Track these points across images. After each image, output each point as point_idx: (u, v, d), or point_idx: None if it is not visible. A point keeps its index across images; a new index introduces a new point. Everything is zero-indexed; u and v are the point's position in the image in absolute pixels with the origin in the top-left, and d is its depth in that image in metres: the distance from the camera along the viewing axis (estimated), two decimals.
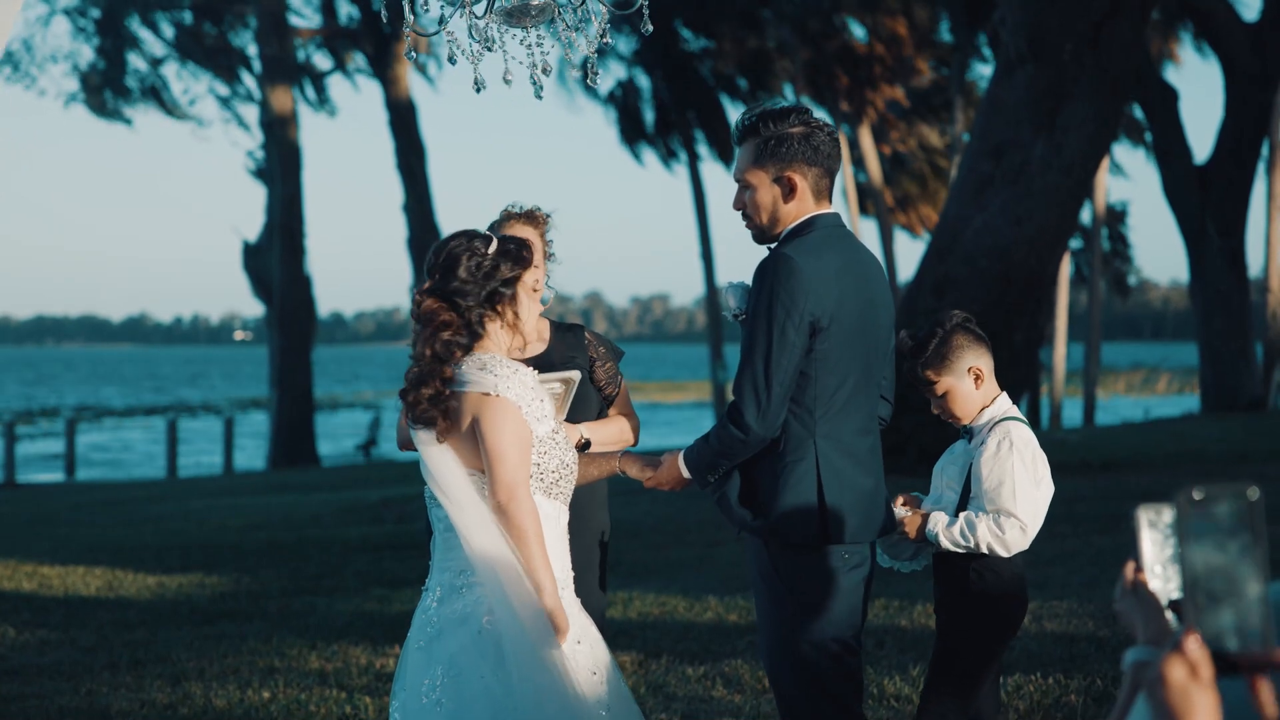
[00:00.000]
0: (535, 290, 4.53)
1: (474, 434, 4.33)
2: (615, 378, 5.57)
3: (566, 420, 5.25)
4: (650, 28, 4.77)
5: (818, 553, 4.63)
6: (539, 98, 4.82)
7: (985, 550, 4.77)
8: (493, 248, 4.44)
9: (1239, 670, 1.75)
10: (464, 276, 4.39)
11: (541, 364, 5.29)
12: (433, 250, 4.49)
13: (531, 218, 5.47)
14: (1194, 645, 1.75)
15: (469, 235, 4.49)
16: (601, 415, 5.50)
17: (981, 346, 4.97)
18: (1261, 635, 1.75)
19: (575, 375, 5.20)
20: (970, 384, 4.94)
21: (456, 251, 4.42)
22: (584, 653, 4.39)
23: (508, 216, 5.45)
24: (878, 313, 4.77)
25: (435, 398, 4.35)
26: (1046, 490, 4.88)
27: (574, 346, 5.49)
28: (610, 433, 5.38)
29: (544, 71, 4.72)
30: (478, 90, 4.74)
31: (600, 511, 5.50)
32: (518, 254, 4.47)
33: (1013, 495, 4.75)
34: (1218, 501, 1.78)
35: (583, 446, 5.17)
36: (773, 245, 4.76)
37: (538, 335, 5.45)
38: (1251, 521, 1.77)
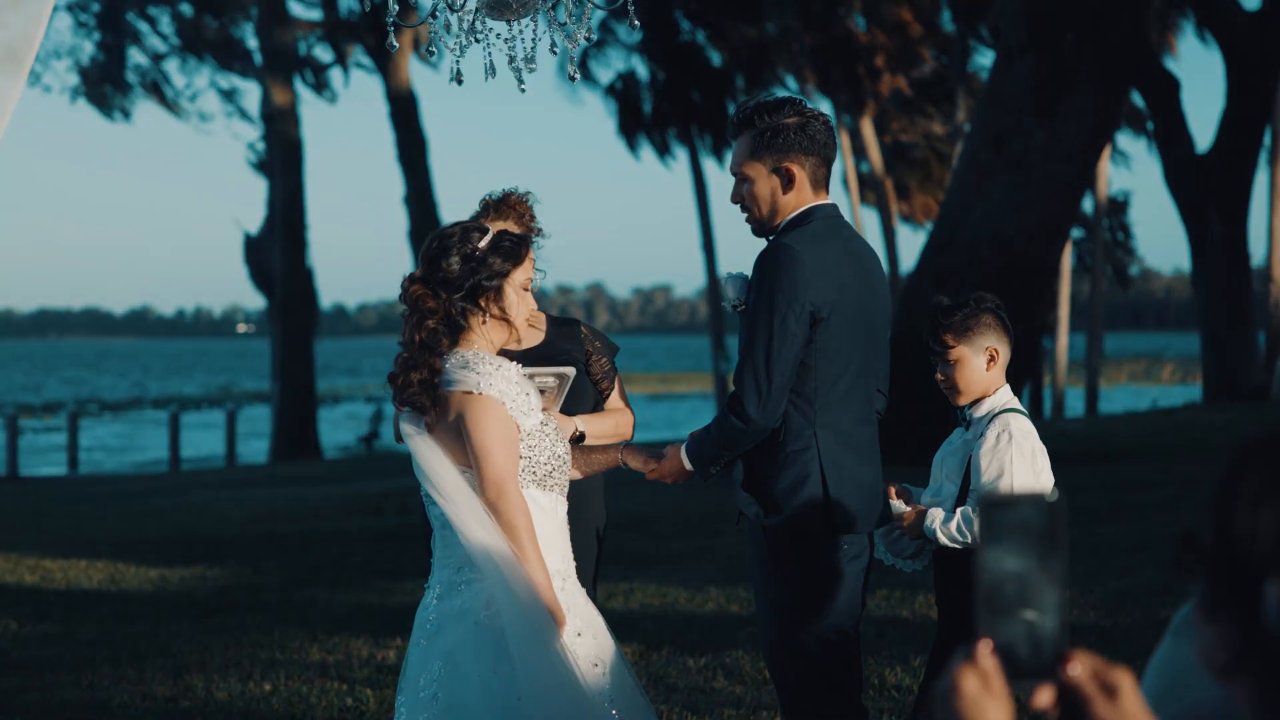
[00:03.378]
0: (526, 289, 4.50)
1: (460, 432, 4.33)
2: (610, 372, 5.54)
3: (561, 414, 5.24)
4: (637, 24, 4.77)
5: (818, 543, 4.63)
6: (522, 90, 4.81)
7: None
8: (485, 241, 4.44)
9: (1033, 678, 1.73)
10: (451, 266, 4.39)
11: (537, 357, 5.27)
12: (429, 237, 4.51)
13: (509, 204, 5.38)
14: (985, 654, 1.73)
15: (466, 226, 4.49)
16: (597, 409, 5.48)
17: (1004, 335, 4.95)
18: (1054, 644, 1.73)
19: (570, 371, 5.18)
20: (983, 362, 4.91)
21: (449, 241, 4.43)
22: (585, 644, 4.39)
23: (485, 207, 5.39)
24: (876, 304, 4.77)
25: (425, 384, 4.35)
26: (1046, 482, 4.86)
27: (569, 340, 5.47)
28: (605, 426, 5.35)
29: (530, 65, 4.70)
30: (458, 83, 4.74)
31: (596, 501, 5.47)
32: (511, 250, 4.46)
33: (1010, 489, 4.73)
34: (1019, 506, 1.74)
35: (578, 439, 5.16)
36: (772, 237, 4.76)
37: (529, 327, 5.42)
38: (1052, 526, 1.73)
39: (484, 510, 4.29)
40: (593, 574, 5.42)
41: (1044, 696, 1.73)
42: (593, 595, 5.41)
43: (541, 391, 5.10)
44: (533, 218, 5.43)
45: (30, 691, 8.22)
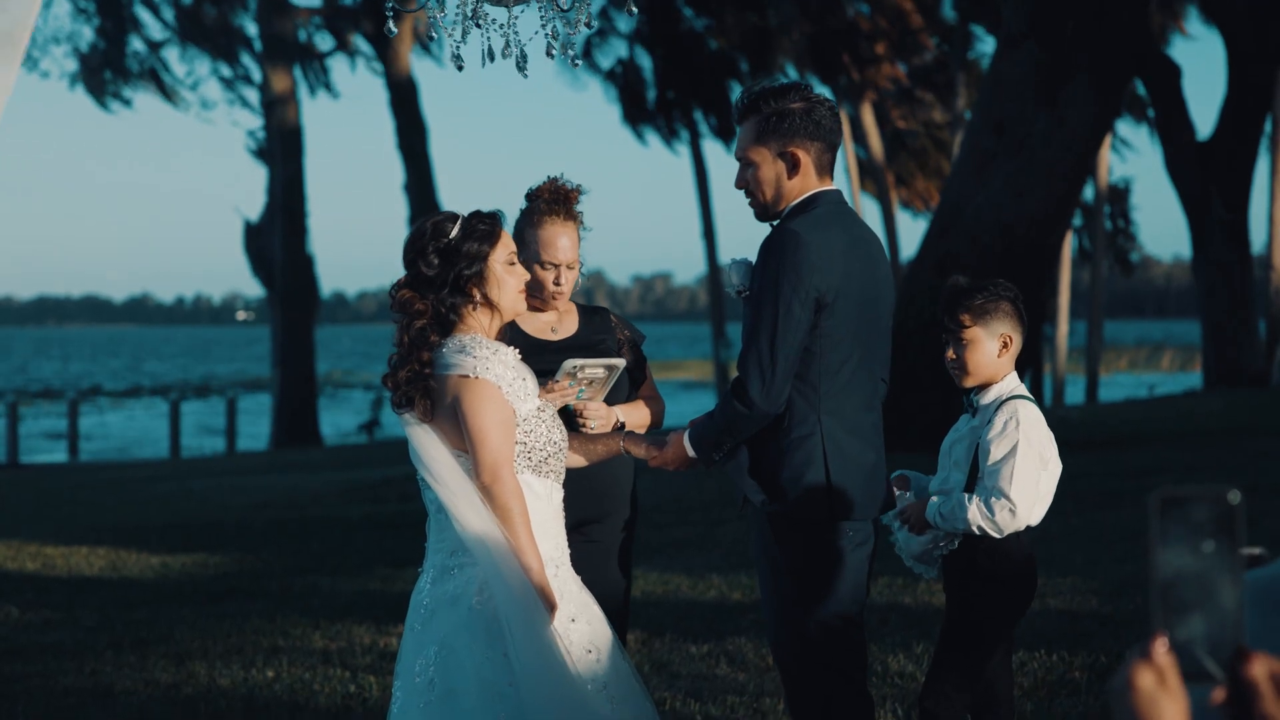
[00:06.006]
0: (513, 263, 4.50)
1: (456, 416, 4.33)
2: (641, 361, 5.56)
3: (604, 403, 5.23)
4: (635, 10, 4.77)
5: (823, 529, 4.63)
6: (524, 75, 4.81)
7: (977, 531, 4.76)
8: (456, 230, 4.44)
9: (1208, 679, 1.72)
10: (431, 264, 4.40)
11: (576, 344, 5.29)
12: (405, 241, 4.51)
13: (563, 200, 5.38)
14: (1161, 651, 1.72)
15: (436, 220, 4.49)
16: (630, 398, 5.49)
17: (1019, 325, 4.95)
18: (1232, 644, 1.71)
19: (621, 362, 5.17)
20: (995, 348, 4.91)
21: (422, 240, 4.44)
22: (580, 630, 4.39)
23: (540, 201, 5.38)
24: (880, 290, 4.77)
25: (412, 378, 4.37)
26: (1054, 469, 4.86)
27: (601, 329, 5.47)
28: (643, 415, 5.36)
29: (549, 51, 4.70)
30: (458, 69, 4.74)
31: (626, 492, 5.44)
32: (486, 232, 4.46)
33: (1009, 476, 4.73)
34: (1195, 504, 1.71)
35: (618, 429, 5.15)
36: (776, 222, 4.75)
37: (561, 316, 5.43)
38: (1231, 526, 1.71)
39: (477, 495, 4.31)
40: (623, 563, 5.39)
41: (1218, 694, 1.72)
42: (622, 582, 5.38)
43: (589, 382, 5.09)
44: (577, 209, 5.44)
45: (32, 678, 8.22)
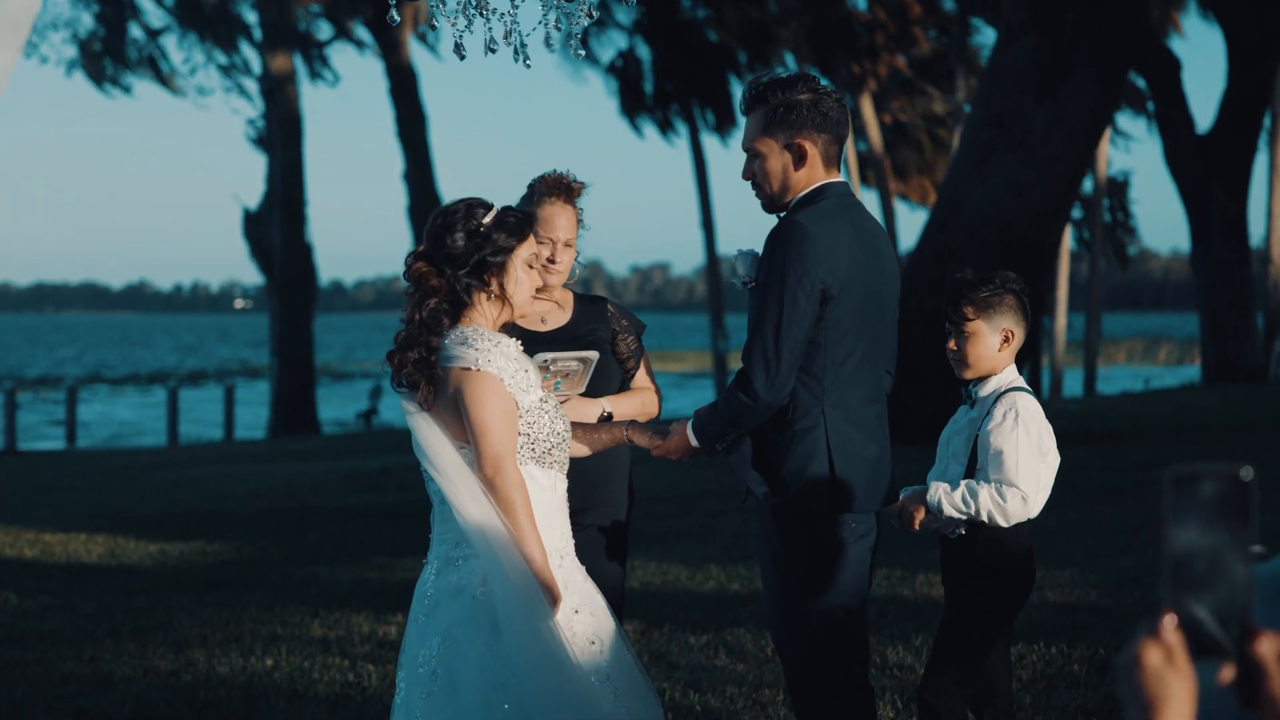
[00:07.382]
0: (532, 266, 4.50)
1: (458, 408, 4.32)
2: (637, 351, 5.55)
3: (589, 393, 5.24)
4: (633, 1, 4.77)
5: (826, 521, 4.63)
6: (527, 65, 4.80)
7: (985, 518, 4.76)
8: (490, 217, 4.43)
9: (1216, 655, 1.72)
10: (456, 242, 4.38)
11: (565, 335, 5.29)
12: (433, 214, 4.50)
13: (565, 187, 5.41)
14: (1170, 629, 1.72)
15: (470, 203, 4.47)
16: (623, 388, 5.49)
17: (1023, 320, 4.95)
18: (1240, 621, 1.71)
19: (593, 355, 5.17)
20: (997, 341, 4.91)
21: (453, 218, 4.42)
22: (583, 621, 4.38)
23: (542, 184, 5.40)
24: (886, 283, 4.76)
25: (420, 362, 4.35)
26: (1052, 461, 4.87)
27: (597, 318, 5.47)
28: (632, 405, 5.36)
29: (548, 41, 4.69)
30: (460, 57, 4.73)
31: (622, 481, 5.45)
32: (516, 226, 4.45)
33: (1016, 466, 4.74)
34: (1207, 481, 1.72)
35: (605, 420, 5.16)
36: (782, 214, 4.75)
37: (559, 305, 5.44)
38: (1243, 504, 1.72)
39: (480, 487, 4.29)
40: (620, 552, 5.40)
41: (1226, 672, 1.72)
42: (620, 571, 5.39)
43: (565, 375, 5.09)
44: (579, 205, 5.46)
45: (31, 665, 8.22)
